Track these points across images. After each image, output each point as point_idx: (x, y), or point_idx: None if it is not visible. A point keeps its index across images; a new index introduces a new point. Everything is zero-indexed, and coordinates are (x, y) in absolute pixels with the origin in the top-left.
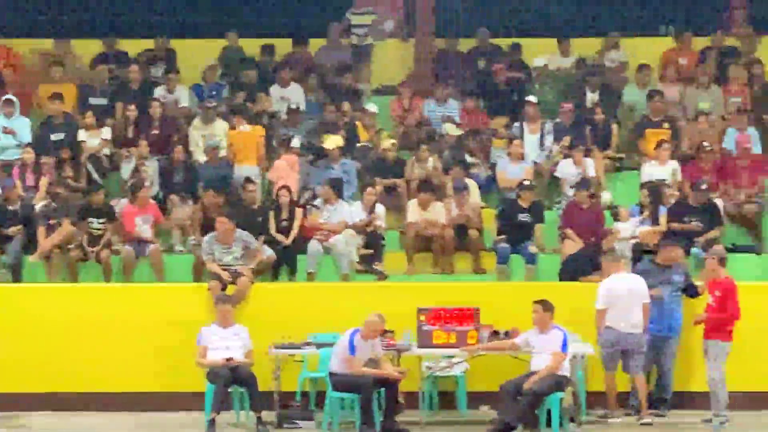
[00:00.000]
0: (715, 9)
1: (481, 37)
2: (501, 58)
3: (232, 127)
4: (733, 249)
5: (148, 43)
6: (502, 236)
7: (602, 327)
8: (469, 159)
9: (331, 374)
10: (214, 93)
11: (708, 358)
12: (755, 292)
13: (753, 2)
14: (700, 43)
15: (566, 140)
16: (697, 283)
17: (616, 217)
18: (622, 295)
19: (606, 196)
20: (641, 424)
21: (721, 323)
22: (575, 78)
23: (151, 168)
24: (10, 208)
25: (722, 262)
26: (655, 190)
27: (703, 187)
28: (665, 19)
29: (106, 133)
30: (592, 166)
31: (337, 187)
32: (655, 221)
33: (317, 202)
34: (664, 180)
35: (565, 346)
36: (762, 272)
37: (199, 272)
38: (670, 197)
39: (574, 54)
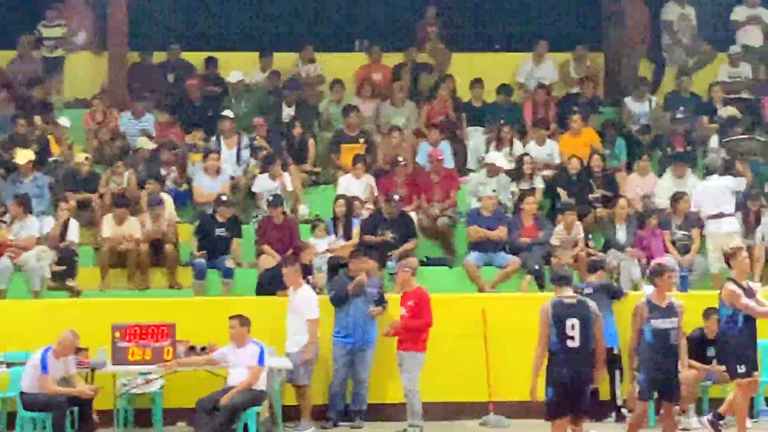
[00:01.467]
0: (407, 26)
1: (173, 51)
2: (196, 72)
3: None
4: (427, 262)
5: None
6: (200, 251)
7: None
8: (164, 173)
9: (22, 393)
10: None
11: (403, 370)
12: (448, 303)
13: (445, 19)
14: (393, 59)
15: (262, 154)
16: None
17: (313, 230)
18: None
19: (303, 210)
20: None
21: (415, 333)
22: (271, 92)
23: None
24: None
25: (414, 273)
26: (348, 203)
27: (396, 199)
28: (360, 35)
29: None
30: (289, 180)
31: (25, 202)
32: (348, 235)
33: (6, 218)
34: (358, 194)
35: (261, 360)
36: (454, 284)
37: None
38: (364, 210)
39: (272, 68)
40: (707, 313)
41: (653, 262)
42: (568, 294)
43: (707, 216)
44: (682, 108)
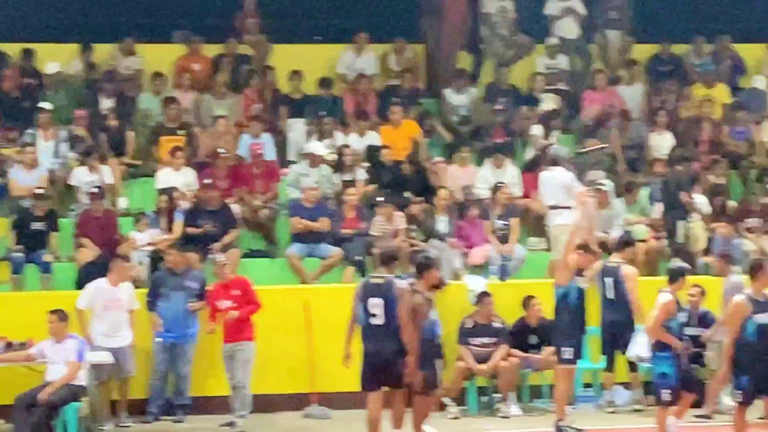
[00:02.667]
0: (227, 16)
1: None
2: (11, 63)
3: None
4: (249, 254)
5: None
6: (17, 246)
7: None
8: None
9: None
10: None
11: (236, 361)
12: (270, 295)
13: (265, 11)
14: (213, 50)
15: (81, 147)
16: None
17: (136, 224)
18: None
19: (122, 203)
20: None
21: (245, 323)
22: (89, 84)
23: None
24: None
25: (237, 263)
26: (170, 196)
27: (215, 192)
28: (179, 26)
29: None
30: (108, 173)
31: None
32: (170, 227)
33: None
34: (177, 187)
35: (80, 355)
36: (277, 276)
37: None
38: (185, 203)
39: (93, 59)
40: (526, 301)
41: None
42: (378, 274)
43: (549, 206)
44: (501, 99)
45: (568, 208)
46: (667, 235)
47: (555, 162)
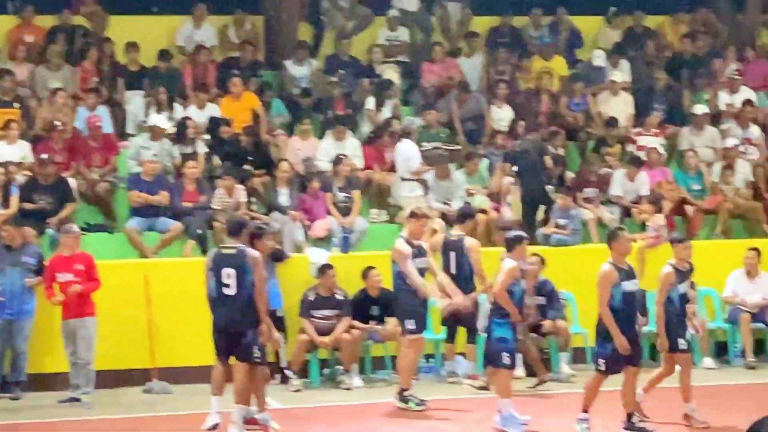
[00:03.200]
0: None
1: None
2: None
3: None
4: (87, 228)
5: None
6: None
7: None
8: None
9: None
10: None
11: (79, 337)
12: (110, 270)
13: None
14: (48, 21)
15: None
16: None
17: None
18: None
19: None
20: None
21: (86, 298)
22: None
23: None
24: None
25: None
26: (5, 169)
27: (50, 165)
28: None
29: None
30: None
31: None
32: (5, 202)
33: None
34: (12, 161)
35: None
36: (116, 250)
37: None
38: (20, 177)
39: None
40: (366, 272)
41: None
42: (229, 245)
43: (402, 178)
44: (341, 71)
45: (421, 180)
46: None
47: (407, 134)
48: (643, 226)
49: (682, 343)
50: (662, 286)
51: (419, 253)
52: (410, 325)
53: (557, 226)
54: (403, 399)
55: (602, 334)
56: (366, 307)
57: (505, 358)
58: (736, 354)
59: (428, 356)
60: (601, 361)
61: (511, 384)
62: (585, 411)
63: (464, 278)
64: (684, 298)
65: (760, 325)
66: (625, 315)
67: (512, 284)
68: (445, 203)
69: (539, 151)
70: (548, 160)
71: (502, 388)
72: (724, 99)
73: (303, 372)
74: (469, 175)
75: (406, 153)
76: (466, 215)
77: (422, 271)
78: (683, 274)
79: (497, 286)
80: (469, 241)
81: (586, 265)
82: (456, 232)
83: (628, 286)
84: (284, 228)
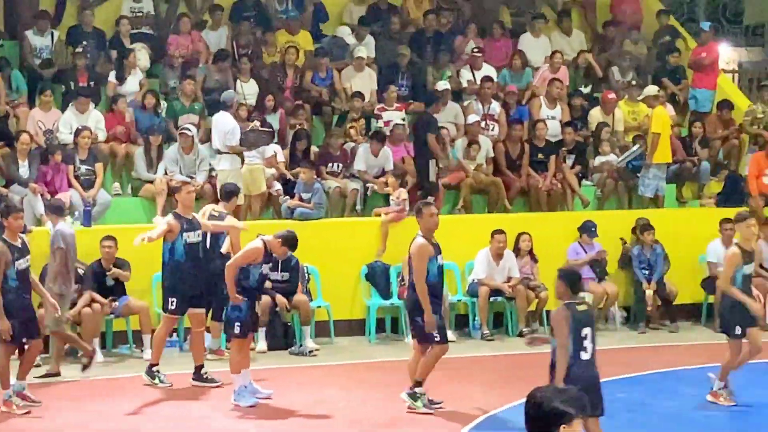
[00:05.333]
0: None
1: None
2: None
3: None
4: None
5: None
6: None
7: None
8: None
9: None
10: None
11: None
12: None
13: None
14: None
15: None
16: None
17: None
18: None
19: None
20: None
21: None
22: None
23: None
24: None
25: None
26: None
27: None
28: None
29: None
30: None
31: None
32: None
33: None
34: None
35: None
36: None
37: None
38: None
39: None
40: (100, 242)
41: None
42: None
43: (216, 150)
44: (84, 42)
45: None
46: (419, 176)
47: (226, 106)
48: (387, 200)
49: (738, 330)
50: (728, 267)
51: (192, 227)
52: (171, 305)
53: (301, 199)
54: (151, 374)
55: (416, 307)
56: (102, 277)
57: (237, 328)
58: (476, 327)
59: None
60: (434, 335)
61: (246, 356)
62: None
63: (213, 256)
64: (749, 279)
65: (499, 298)
66: (438, 290)
67: (253, 265)
68: (190, 176)
69: (424, 127)
70: (431, 138)
71: (232, 361)
72: (466, 76)
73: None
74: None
75: (225, 126)
76: (230, 193)
77: (196, 245)
78: (749, 254)
79: (230, 261)
80: (230, 220)
81: (329, 238)
82: (219, 208)
83: (441, 259)
84: (25, 201)
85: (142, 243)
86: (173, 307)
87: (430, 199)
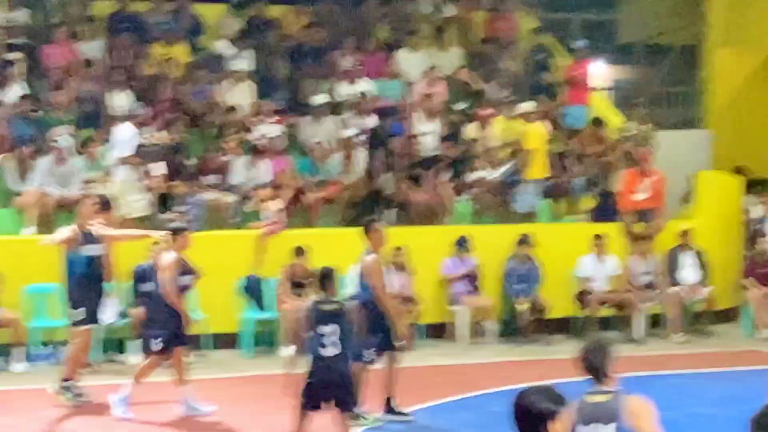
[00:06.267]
0: None
1: None
2: None
3: None
4: None
5: None
6: None
7: None
8: None
9: None
10: None
11: None
12: None
13: None
14: None
15: None
16: None
17: None
18: None
19: None
20: None
21: None
22: None
23: None
24: None
25: None
26: None
27: None
28: None
29: None
30: None
31: None
32: None
33: None
34: None
35: None
36: None
37: None
38: None
39: None
40: None
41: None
42: None
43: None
44: None
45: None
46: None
47: (129, 117)
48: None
49: None
50: None
51: (88, 240)
52: (80, 315)
53: (177, 212)
54: (64, 388)
55: (376, 322)
56: None
57: (156, 344)
58: None
59: (45, 343)
60: (370, 351)
61: (148, 369)
62: None
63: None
64: None
65: None
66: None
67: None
68: (60, 188)
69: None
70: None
71: (138, 371)
72: (343, 90)
73: None
74: (89, 161)
75: (123, 136)
76: (105, 204)
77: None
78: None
79: (166, 280)
80: (104, 230)
81: (205, 251)
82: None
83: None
84: None
85: (45, 245)
86: (82, 317)
87: (375, 215)
